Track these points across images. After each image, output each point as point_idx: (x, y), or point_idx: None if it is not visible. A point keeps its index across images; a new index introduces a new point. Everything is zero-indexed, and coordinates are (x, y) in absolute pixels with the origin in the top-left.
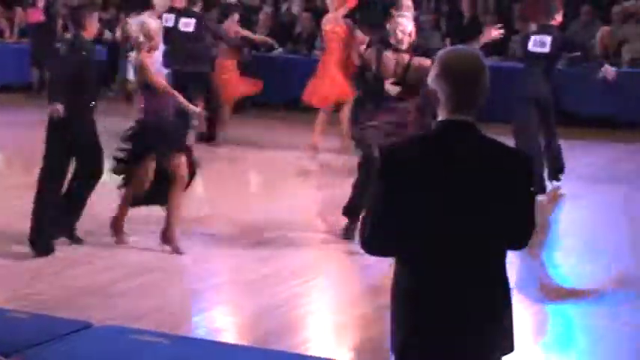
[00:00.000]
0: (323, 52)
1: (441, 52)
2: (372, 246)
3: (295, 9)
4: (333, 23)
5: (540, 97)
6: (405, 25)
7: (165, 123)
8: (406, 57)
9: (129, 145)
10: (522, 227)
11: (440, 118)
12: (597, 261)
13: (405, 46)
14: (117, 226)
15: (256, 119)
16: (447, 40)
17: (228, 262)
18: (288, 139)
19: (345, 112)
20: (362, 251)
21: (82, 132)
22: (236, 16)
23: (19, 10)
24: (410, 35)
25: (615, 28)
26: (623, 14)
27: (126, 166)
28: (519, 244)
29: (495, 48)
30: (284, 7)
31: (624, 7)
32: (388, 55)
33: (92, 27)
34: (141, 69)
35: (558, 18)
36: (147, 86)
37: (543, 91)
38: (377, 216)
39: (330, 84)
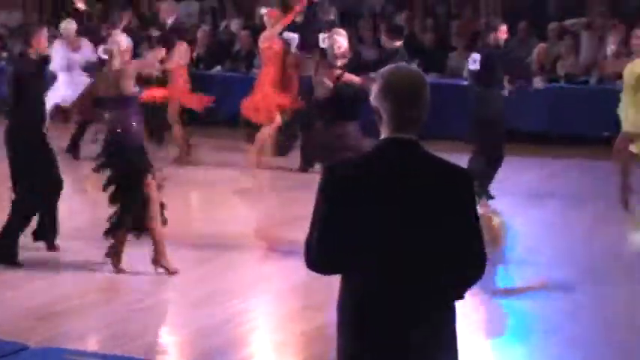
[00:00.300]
0: (259, 69)
1: (382, 70)
2: (319, 265)
3: (234, 27)
4: (270, 40)
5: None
6: (340, 42)
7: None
8: (338, 73)
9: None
10: (470, 245)
11: (383, 135)
12: (531, 274)
13: (339, 63)
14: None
15: (195, 137)
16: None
17: (169, 281)
18: (227, 156)
19: (265, 133)
20: (304, 268)
21: (30, 146)
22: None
23: None
24: (344, 53)
25: (551, 44)
26: (559, 31)
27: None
28: (473, 267)
29: (434, 65)
30: (222, 25)
31: (560, 24)
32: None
33: (40, 44)
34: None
35: (500, 35)
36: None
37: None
38: (322, 235)
39: (264, 100)
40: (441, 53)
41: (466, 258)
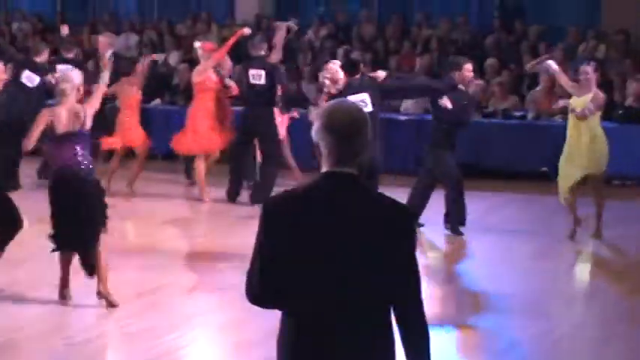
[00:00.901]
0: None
1: (324, 106)
2: (260, 299)
3: (173, 60)
4: (203, 74)
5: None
6: (334, 71)
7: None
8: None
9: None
10: (407, 281)
11: (323, 169)
12: (470, 309)
13: (333, 90)
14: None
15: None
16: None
17: (109, 315)
18: (165, 189)
19: (201, 165)
20: (242, 303)
21: None
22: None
23: None
24: (337, 81)
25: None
26: (494, 67)
27: None
28: (411, 301)
29: None
30: (160, 58)
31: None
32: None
33: None
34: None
35: (465, 74)
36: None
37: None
38: (261, 269)
39: (198, 134)
40: None
41: (403, 294)
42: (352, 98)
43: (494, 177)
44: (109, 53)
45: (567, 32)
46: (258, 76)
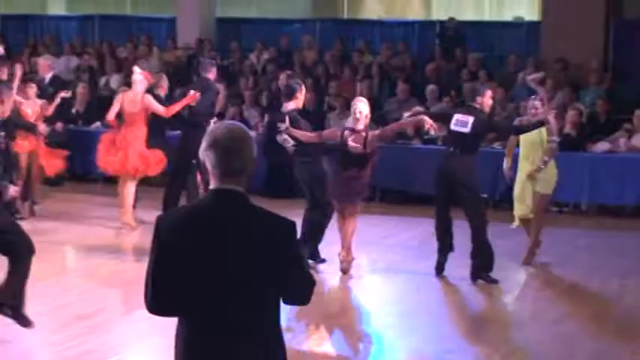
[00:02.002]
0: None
1: (211, 127)
2: (153, 308)
3: (114, 83)
4: (134, 100)
5: None
6: (360, 107)
7: None
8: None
9: None
10: (294, 286)
11: (211, 186)
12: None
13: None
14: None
15: (73, 193)
16: (266, 116)
17: (46, 339)
18: (103, 212)
19: (127, 189)
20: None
21: None
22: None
23: None
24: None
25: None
26: (434, 94)
27: None
28: (298, 301)
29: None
30: (102, 81)
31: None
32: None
33: None
34: None
35: (486, 100)
36: None
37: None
38: (152, 279)
39: (131, 157)
40: (320, 113)
41: (292, 296)
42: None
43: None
44: (49, 75)
45: (507, 60)
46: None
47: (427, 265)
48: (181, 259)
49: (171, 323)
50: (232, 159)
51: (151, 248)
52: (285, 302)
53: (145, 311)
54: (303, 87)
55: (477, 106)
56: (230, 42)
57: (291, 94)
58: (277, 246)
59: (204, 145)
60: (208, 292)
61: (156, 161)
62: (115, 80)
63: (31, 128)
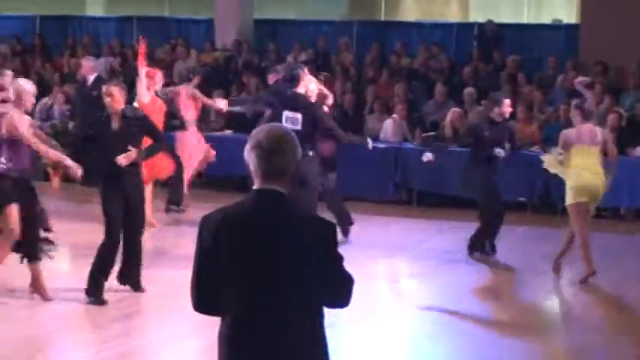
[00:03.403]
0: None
1: (254, 130)
2: (198, 306)
3: None
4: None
5: None
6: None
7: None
8: None
9: None
10: (335, 285)
11: (254, 187)
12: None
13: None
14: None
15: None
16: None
17: (80, 340)
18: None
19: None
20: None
21: None
22: None
23: None
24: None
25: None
26: (472, 96)
27: None
28: (339, 301)
29: (352, 126)
30: None
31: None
32: None
33: None
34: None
35: (504, 109)
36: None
37: None
38: (198, 279)
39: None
40: (359, 115)
41: (332, 295)
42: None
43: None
44: (92, 77)
45: (545, 63)
46: None
47: (464, 270)
48: (223, 258)
49: (208, 325)
50: (274, 161)
51: (196, 247)
52: (326, 304)
53: (183, 313)
54: (305, 70)
55: (493, 115)
56: (267, 43)
57: (297, 80)
58: (317, 246)
59: (247, 146)
60: (249, 291)
61: (164, 164)
62: None
63: None
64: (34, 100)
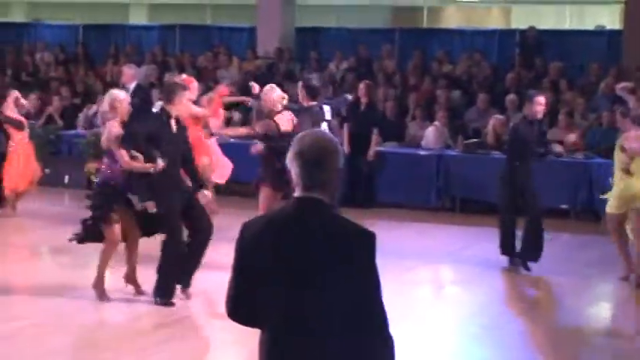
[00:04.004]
0: None
1: (297, 136)
2: (234, 316)
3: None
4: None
5: None
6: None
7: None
8: None
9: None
10: (368, 298)
11: (295, 194)
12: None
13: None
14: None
15: None
16: (345, 126)
17: (130, 346)
18: None
19: None
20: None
21: None
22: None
23: None
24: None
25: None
26: (514, 103)
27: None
28: (372, 329)
29: (393, 133)
30: None
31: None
32: None
33: None
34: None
35: (535, 107)
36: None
37: None
38: (234, 287)
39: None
40: (401, 122)
41: (366, 310)
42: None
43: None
44: (133, 84)
45: (588, 69)
46: None
47: (508, 276)
48: (261, 266)
49: (253, 332)
50: (316, 170)
51: (234, 254)
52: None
53: (227, 320)
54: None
55: (526, 113)
56: (309, 51)
57: (316, 94)
58: (355, 255)
59: (290, 154)
60: (286, 300)
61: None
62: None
63: None
64: (130, 108)
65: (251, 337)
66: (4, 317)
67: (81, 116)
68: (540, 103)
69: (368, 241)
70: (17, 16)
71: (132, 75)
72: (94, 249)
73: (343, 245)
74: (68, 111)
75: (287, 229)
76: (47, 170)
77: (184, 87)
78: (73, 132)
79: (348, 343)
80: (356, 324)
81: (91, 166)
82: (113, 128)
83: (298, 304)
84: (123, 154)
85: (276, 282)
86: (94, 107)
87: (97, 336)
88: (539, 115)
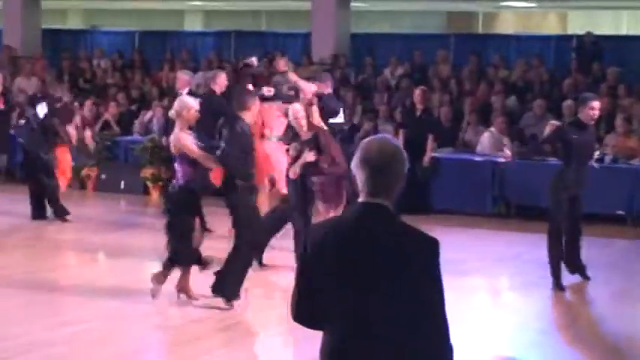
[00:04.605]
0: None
1: (363, 141)
2: (297, 319)
3: None
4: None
5: None
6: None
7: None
8: None
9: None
10: (432, 305)
11: (360, 199)
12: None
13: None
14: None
15: None
16: (401, 132)
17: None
18: None
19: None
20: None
21: None
22: None
23: None
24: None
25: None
26: (571, 109)
27: None
28: (435, 337)
29: (448, 138)
30: None
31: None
32: None
33: None
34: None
35: (589, 111)
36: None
37: None
38: (300, 289)
39: None
40: (457, 127)
41: (429, 317)
42: None
43: None
44: (186, 90)
45: None
46: None
47: (564, 282)
48: (326, 270)
49: (310, 336)
50: (382, 177)
51: (300, 259)
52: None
53: (283, 324)
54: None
55: (581, 118)
56: (364, 57)
57: (335, 114)
58: (418, 261)
59: (355, 160)
60: (349, 304)
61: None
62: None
63: None
64: (197, 115)
65: (309, 341)
66: (62, 322)
67: (137, 122)
68: (594, 107)
69: (432, 248)
70: (73, 23)
71: (186, 81)
72: (150, 252)
73: (408, 252)
74: (124, 117)
75: (352, 234)
76: (103, 176)
77: (254, 94)
78: (129, 138)
79: (411, 350)
80: (419, 331)
81: (147, 171)
82: (182, 134)
83: (363, 309)
84: (201, 155)
85: (342, 286)
86: (149, 113)
87: (156, 340)
88: (593, 120)
